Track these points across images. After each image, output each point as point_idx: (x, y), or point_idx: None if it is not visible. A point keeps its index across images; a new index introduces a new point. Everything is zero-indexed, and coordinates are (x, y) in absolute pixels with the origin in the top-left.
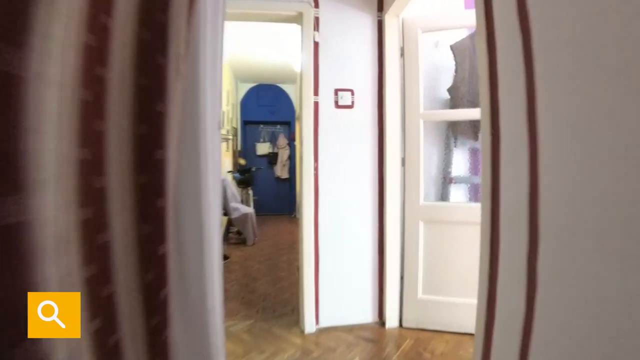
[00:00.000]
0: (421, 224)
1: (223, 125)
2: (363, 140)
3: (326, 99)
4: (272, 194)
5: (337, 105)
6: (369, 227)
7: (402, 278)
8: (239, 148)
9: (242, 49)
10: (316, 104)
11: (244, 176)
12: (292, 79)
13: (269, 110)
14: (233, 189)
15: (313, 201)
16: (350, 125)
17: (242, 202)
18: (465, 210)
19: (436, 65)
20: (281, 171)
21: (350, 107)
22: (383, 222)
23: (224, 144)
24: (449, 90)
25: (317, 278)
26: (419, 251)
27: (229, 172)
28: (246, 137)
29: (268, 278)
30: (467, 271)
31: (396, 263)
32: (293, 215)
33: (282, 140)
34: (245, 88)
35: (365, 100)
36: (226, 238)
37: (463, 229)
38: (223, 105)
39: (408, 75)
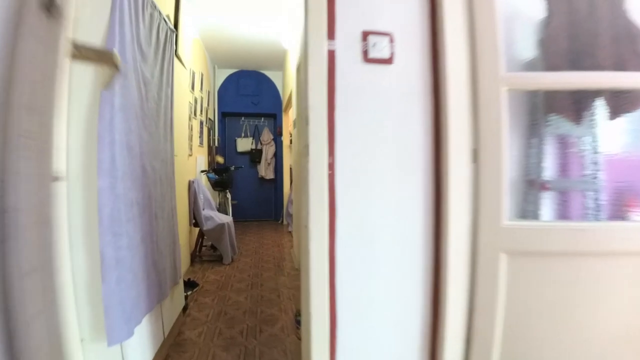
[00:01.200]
0: (503, 258)
1: (195, 116)
2: (408, 120)
3: (347, 48)
4: (254, 197)
5: (367, 59)
6: (415, 264)
7: (467, 342)
8: (216, 144)
9: (218, 23)
10: (331, 55)
11: (221, 177)
12: (278, 63)
13: (251, 100)
14: (207, 193)
15: (327, 221)
16: (388, 93)
17: (218, 208)
18: (600, 234)
19: (510, 10)
20: (265, 171)
21: (387, 61)
22: (440, 255)
23: (196, 138)
24: (541, 43)
25: (334, 350)
26: (498, 302)
27: (203, 171)
28: (225, 131)
29: (251, 319)
30: (604, 345)
31: (459, 320)
32: (280, 222)
33: (267, 135)
34: (223, 75)
35: (412, 52)
36: (197, 255)
37: (594, 266)
38: (195, 91)
39: (479, 14)
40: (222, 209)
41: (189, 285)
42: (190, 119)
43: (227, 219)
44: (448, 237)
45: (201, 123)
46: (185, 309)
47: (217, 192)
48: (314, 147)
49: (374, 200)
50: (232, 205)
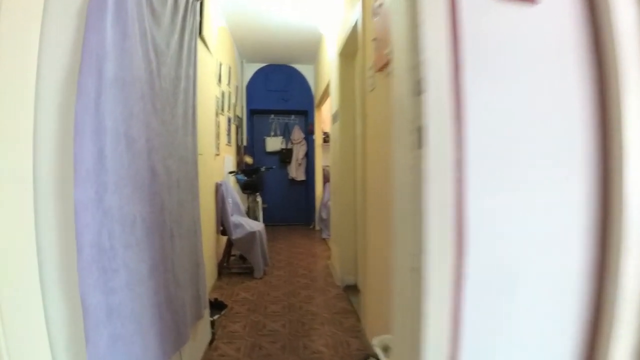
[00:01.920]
0: None
1: (223, 111)
2: (561, 87)
3: None
4: (284, 199)
5: None
6: (570, 318)
7: None
8: (244, 143)
9: (246, 7)
10: None
11: (251, 178)
12: (310, 55)
13: (280, 96)
14: (235, 197)
15: (452, 258)
16: (531, 47)
17: (247, 213)
18: None
19: None
20: (296, 172)
21: None
22: (602, 306)
23: (223, 136)
24: None
25: None
26: None
27: (231, 173)
28: (253, 130)
29: (293, 359)
30: None
31: None
32: (311, 227)
33: (298, 134)
34: (251, 70)
35: None
36: (225, 267)
37: None
38: (223, 85)
39: None
40: (251, 213)
41: (216, 306)
42: (217, 114)
43: (258, 226)
44: (621, 279)
45: (229, 120)
46: (212, 340)
47: (245, 195)
48: (433, 133)
49: (520, 218)
50: (262, 209)
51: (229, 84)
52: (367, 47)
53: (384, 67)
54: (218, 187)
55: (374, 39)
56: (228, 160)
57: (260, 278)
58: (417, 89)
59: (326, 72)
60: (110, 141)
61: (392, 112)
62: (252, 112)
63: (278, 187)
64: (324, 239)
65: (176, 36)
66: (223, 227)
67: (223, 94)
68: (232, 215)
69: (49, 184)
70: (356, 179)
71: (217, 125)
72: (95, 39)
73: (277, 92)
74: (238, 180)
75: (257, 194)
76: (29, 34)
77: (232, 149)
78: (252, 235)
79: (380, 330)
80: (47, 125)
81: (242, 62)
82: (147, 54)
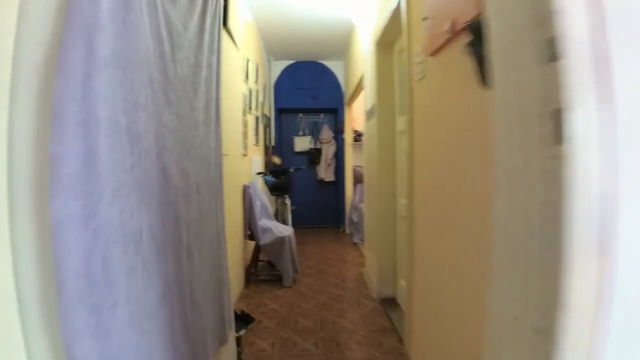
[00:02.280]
0: None
1: (250, 110)
2: None
3: None
4: (313, 201)
5: None
6: None
7: None
8: (272, 143)
9: (273, 1)
10: None
11: (279, 180)
12: (339, 50)
13: (309, 94)
14: (264, 199)
15: (594, 299)
16: None
17: (275, 216)
18: None
19: None
20: (325, 172)
21: None
22: None
23: (251, 136)
24: None
25: None
26: None
27: (259, 174)
28: (281, 130)
29: None
30: None
31: None
32: (341, 229)
33: (327, 133)
34: (279, 68)
35: None
36: (253, 274)
37: None
38: (250, 82)
39: None
40: (279, 216)
41: (242, 319)
42: (244, 112)
43: (287, 230)
44: None
45: (256, 119)
46: None
47: (274, 198)
48: (579, 119)
49: None
50: (291, 211)
51: (256, 81)
52: (414, 30)
53: (439, 49)
54: (246, 190)
55: (425, 18)
56: (256, 160)
57: (290, 287)
58: (550, 53)
59: (359, 66)
60: (105, 136)
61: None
62: (280, 111)
63: (307, 189)
64: (355, 243)
65: (195, 18)
66: (251, 231)
67: (250, 92)
68: (260, 219)
69: (27, 195)
70: (397, 180)
71: (245, 125)
72: (86, 3)
73: (305, 90)
74: (266, 182)
75: (286, 195)
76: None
77: (260, 149)
78: (281, 240)
79: (428, 356)
80: (25, 120)
81: (269, 59)
82: (159, 31)
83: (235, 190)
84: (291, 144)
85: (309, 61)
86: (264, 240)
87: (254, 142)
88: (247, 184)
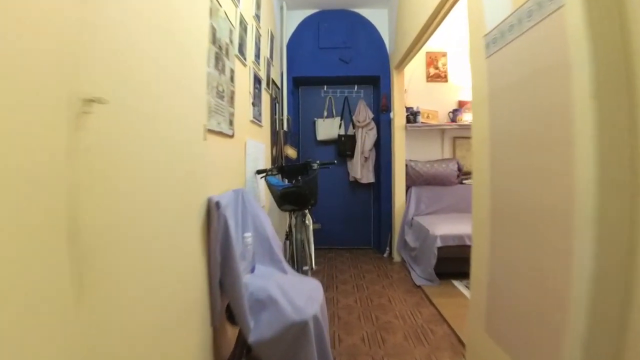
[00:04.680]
0: None
1: (244, 58)
2: None
3: None
4: (342, 211)
5: None
6: None
7: None
8: (284, 127)
9: None
10: None
11: (295, 185)
12: None
13: (338, 56)
14: (264, 225)
15: None
16: None
17: (285, 254)
18: None
19: None
20: (361, 170)
21: None
22: None
23: (244, 104)
24: None
25: None
26: None
27: (260, 173)
28: (298, 109)
29: None
30: None
31: None
32: (386, 255)
33: (363, 113)
34: (295, 20)
35: None
36: None
37: None
38: (243, 6)
39: None
40: (292, 247)
41: None
42: (223, 53)
43: (313, 304)
44: None
45: (256, 79)
46: None
47: (288, 212)
48: None
49: None
50: (314, 230)
51: (257, 14)
52: None
53: None
54: (214, 212)
55: None
56: (255, 148)
57: None
58: None
59: (418, 8)
60: None
61: None
62: (297, 83)
63: (334, 193)
64: (419, 286)
65: None
66: (228, 309)
67: (242, 22)
68: (251, 271)
69: None
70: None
71: (231, 78)
72: None
73: (333, 52)
74: (272, 187)
75: (306, 211)
76: None
77: (265, 133)
78: (297, 331)
79: None
80: None
81: (281, 6)
82: None
83: (190, 212)
84: (312, 129)
85: (338, 10)
86: (259, 331)
87: (251, 117)
88: (219, 198)
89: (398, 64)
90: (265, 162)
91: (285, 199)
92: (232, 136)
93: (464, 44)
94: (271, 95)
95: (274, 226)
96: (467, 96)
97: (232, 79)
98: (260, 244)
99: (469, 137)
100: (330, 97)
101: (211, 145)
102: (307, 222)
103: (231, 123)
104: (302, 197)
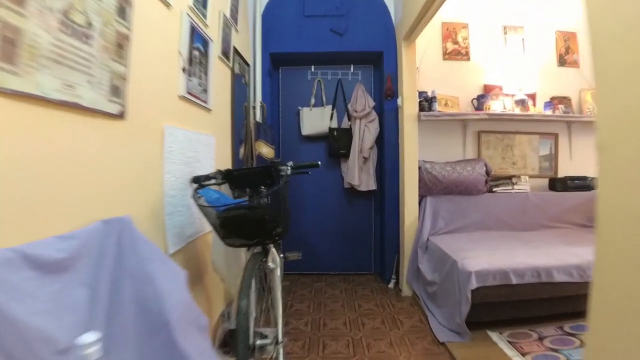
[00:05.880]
0: None
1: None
2: None
3: None
4: (335, 227)
5: None
6: None
7: None
8: (256, 117)
9: None
10: None
11: (252, 201)
12: None
13: (329, 26)
14: (163, 288)
15: None
16: None
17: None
18: None
19: None
20: (359, 174)
21: None
22: None
23: (170, 65)
24: None
25: None
26: None
27: (198, 182)
28: (278, 94)
29: None
30: None
31: None
32: (391, 285)
33: (362, 100)
34: None
35: None
36: None
37: None
38: None
39: None
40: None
41: None
42: None
43: None
44: None
45: (199, 39)
46: None
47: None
48: None
49: None
50: (290, 261)
51: None
52: None
53: None
54: None
55: None
56: (190, 141)
57: None
58: None
59: None
60: None
61: None
62: (275, 61)
63: (323, 204)
64: (442, 343)
65: None
66: None
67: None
68: None
69: None
70: None
71: (108, 3)
72: None
73: (322, 20)
74: (205, 208)
75: (270, 246)
76: None
77: (216, 121)
78: None
79: None
80: None
81: None
82: None
83: None
84: (296, 121)
85: None
86: None
87: (180, 91)
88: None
89: (408, 34)
90: (218, 165)
91: (229, 228)
92: (120, 116)
93: (490, 13)
94: (233, 70)
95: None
96: (494, 79)
97: (121, 10)
98: (146, 343)
99: (499, 132)
100: (319, 80)
101: (41, 132)
102: (270, 264)
103: (117, 92)
104: (258, 223)
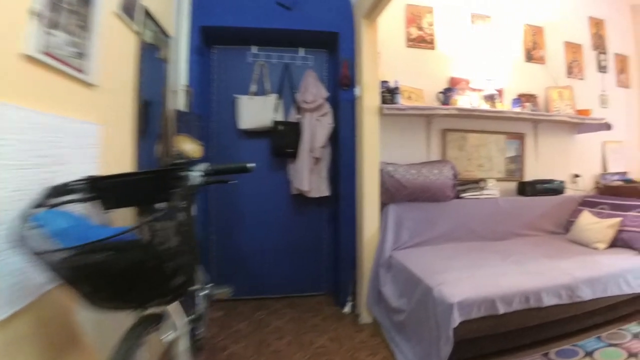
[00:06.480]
0: None
1: None
2: None
3: None
4: (280, 240)
5: None
6: None
7: None
8: (178, 105)
9: None
10: None
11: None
12: None
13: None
14: None
15: None
16: None
17: None
18: None
19: None
20: (309, 178)
21: None
22: None
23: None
24: None
25: None
26: None
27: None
28: (209, 77)
29: None
30: None
31: None
32: (347, 310)
33: (313, 89)
34: None
35: None
36: None
37: None
38: None
39: None
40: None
41: None
42: None
43: None
44: None
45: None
46: None
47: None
48: None
49: None
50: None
51: None
52: None
53: None
54: None
55: None
56: (47, 129)
57: None
58: None
59: None
60: None
61: None
62: (208, 37)
63: (265, 213)
64: None
65: None
66: None
67: None
68: None
69: None
70: None
71: None
72: None
73: None
74: (39, 251)
75: (167, 307)
76: None
77: (105, 101)
78: None
79: None
80: None
81: None
82: None
83: None
84: (232, 112)
85: None
86: None
87: (34, 47)
88: None
89: (369, 12)
90: (107, 169)
91: (87, 283)
92: None
93: None
94: (142, 38)
95: None
96: (460, 72)
97: None
98: None
99: (466, 130)
100: (262, 64)
101: None
102: (167, 334)
103: None
104: (137, 274)
